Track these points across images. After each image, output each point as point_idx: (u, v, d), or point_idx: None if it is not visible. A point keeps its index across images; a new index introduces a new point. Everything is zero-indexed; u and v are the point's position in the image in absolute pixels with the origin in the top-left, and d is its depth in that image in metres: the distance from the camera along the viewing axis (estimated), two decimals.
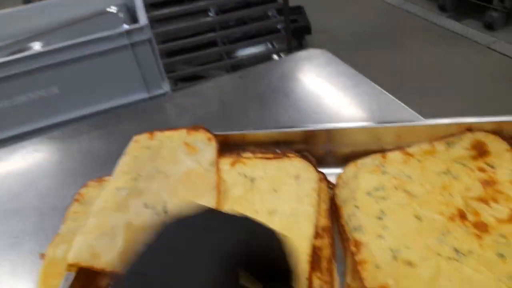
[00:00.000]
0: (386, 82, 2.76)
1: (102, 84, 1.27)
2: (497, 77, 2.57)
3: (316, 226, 0.63)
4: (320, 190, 0.69)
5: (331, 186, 0.72)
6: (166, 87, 1.31)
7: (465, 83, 2.55)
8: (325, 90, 0.99)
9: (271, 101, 0.98)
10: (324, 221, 0.66)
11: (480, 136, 0.67)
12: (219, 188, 0.69)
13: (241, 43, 2.49)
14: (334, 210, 0.68)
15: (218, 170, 0.71)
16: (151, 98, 1.30)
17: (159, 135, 0.74)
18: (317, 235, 0.63)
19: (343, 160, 0.77)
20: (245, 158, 0.73)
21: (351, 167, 0.71)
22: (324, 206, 0.68)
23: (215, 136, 0.75)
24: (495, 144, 0.66)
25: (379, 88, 0.96)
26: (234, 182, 0.70)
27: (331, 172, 0.77)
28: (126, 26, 1.25)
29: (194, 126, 0.75)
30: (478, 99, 2.36)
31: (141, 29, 1.16)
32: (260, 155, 0.74)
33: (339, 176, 0.72)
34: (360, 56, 2.99)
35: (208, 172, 0.70)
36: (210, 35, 2.45)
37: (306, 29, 3.12)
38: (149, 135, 0.75)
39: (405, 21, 3.31)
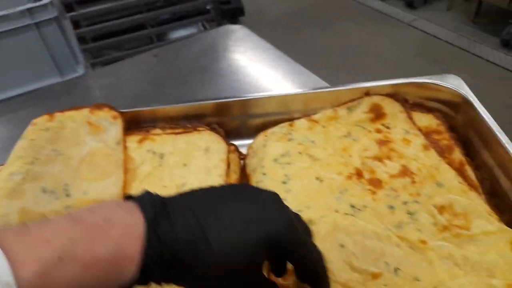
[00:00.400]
0: (317, 62, 2.82)
1: (7, 68, 1.17)
2: (418, 52, 2.75)
3: None
4: (230, 160, 0.70)
5: (242, 157, 0.72)
6: (81, 69, 1.23)
7: (390, 59, 2.69)
8: (242, 65, 0.99)
9: (188, 78, 0.96)
10: None
11: (377, 99, 0.71)
12: (126, 166, 0.66)
13: (170, 25, 2.40)
14: (244, 180, 0.69)
15: (124, 148, 0.68)
16: (66, 83, 1.22)
17: (59, 116, 0.70)
18: None
19: (256, 131, 0.78)
20: (154, 134, 0.71)
21: (261, 137, 0.72)
22: (235, 176, 0.69)
23: (121, 113, 0.72)
24: (390, 106, 0.70)
25: (294, 61, 0.97)
26: (142, 159, 0.68)
27: (244, 143, 0.78)
28: (30, 4, 1.15)
29: (97, 104, 0.71)
30: (402, 74, 2.50)
31: (45, 6, 1.06)
32: (169, 130, 0.72)
33: (249, 146, 0.72)
34: (293, 36, 3.03)
35: (114, 151, 0.67)
36: (137, 17, 2.34)
37: (239, 11, 3.09)
38: (48, 116, 0.70)
39: (335, 2, 3.40)
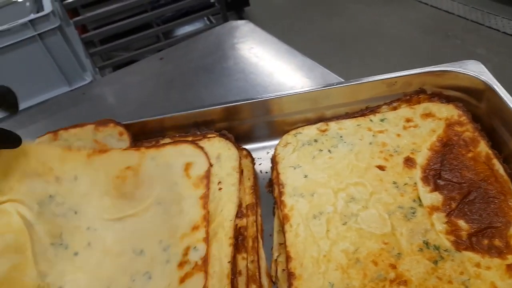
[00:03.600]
0: (326, 49, 2.75)
1: (14, 81, 1.16)
2: (431, 29, 2.65)
3: (240, 205, 0.61)
4: (243, 167, 0.68)
5: (254, 162, 0.70)
6: (88, 77, 1.22)
7: (402, 39, 2.61)
8: (249, 63, 0.96)
9: (194, 80, 0.93)
10: (248, 198, 0.64)
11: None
12: None
13: (175, 22, 2.38)
14: (257, 185, 0.67)
15: None
16: (72, 93, 1.21)
17: (63, 134, 0.68)
18: (241, 214, 0.61)
19: (270, 134, 0.76)
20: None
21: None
22: (248, 183, 0.67)
23: (128, 126, 0.70)
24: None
25: (301, 55, 0.94)
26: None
27: (257, 147, 0.76)
28: (32, 16, 1.14)
29: (102, 121, 0.69)
30: (415, 54, 2.42)
31: (47, 16, 1.05)
32: (178, 138, 0.70)
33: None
34: (300, 22, 2.96)
35: None
36: (143, 16, 2.32)
37: (244, 1, 3.04)
38: (52, 135, 0.68)
39: None
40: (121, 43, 2.36)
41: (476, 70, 0.64)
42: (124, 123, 0.70)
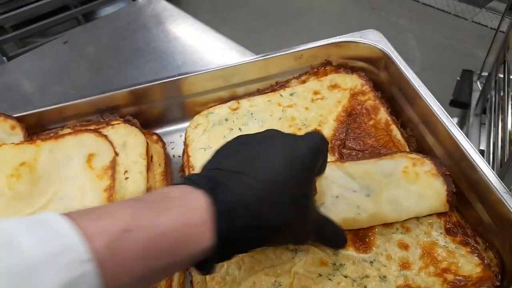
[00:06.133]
0: (259, 24, 2.72)
1: None
2: (360, 1, 2.72)
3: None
4: (153, 152, 0.65)
5: (166, 147, 0.67)
6: None
7: (332, 13, 2.65)
8: (160, 41, 0.91)
9: (102, 63, 0.87)
10: (159, 185, 0.62)
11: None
12: None
13: (94, 2, 2.22)
14: (170, 170, 0.64)
15: None
16: None
17: None
18: None
19: (183, 115, 0.73)
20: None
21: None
22: (160, 169, 0.64)
23: (22, 119, 0.64)
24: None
25: (218, 33, 0.91)
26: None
27: (171, 130, 0.73)
28: None
29: None
30: (344, 28, 2.48)
31: None
32: (79, 128, 0.65)
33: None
34: (234, 2, 2.90)
35: None
36: None
37: None
38: None
39: None
40: (36, 27, 2.17)
41: (375, 39, 0.65)
42: (16, 115, 0.64)
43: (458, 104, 1.57)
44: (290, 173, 0.36)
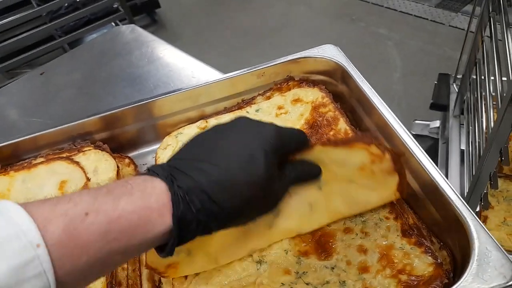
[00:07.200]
0: (241, 42, 2.76)
1: None
2: (338, 14, 2.78)
3: None
4: (124, 175, 0.66)
5: (138, 170, 0.69)
6: None
7: (311, 27, 2.71)
8: (134, 67, 0.94)
9: (78, 92, 0.90)
10: None
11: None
12: None
13: (78, 31, 2.27)
14: None
15: None
16: None
17: None
18: None
19: (155, 138, 0.75)
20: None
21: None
22: None
23: None
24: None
25: (189, 56, 0.94)
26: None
27: (144, 152, 0.75)
28: None
29: None
30: (325, 38, 2.53)
31: None
32: (51, 156, 0.67)
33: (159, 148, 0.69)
34: (213, 20, 2.96)
35: None
36: (43, 27, 2.18)
37: (154, 3, 2.97)
38: None
39: None
40: (23, 58, 2.22)
41: (332, 54, 0.68)
42: None
43: (437, 107, 1.61)
44: (249, 158, 0.38)
